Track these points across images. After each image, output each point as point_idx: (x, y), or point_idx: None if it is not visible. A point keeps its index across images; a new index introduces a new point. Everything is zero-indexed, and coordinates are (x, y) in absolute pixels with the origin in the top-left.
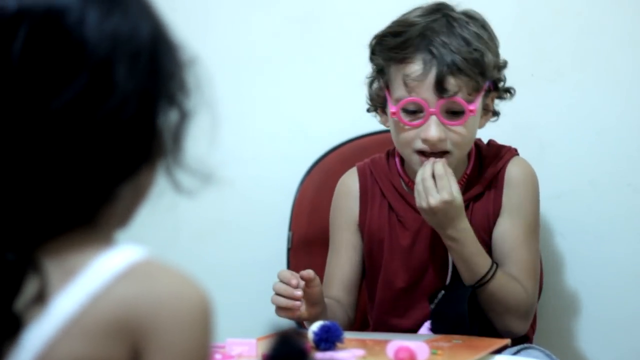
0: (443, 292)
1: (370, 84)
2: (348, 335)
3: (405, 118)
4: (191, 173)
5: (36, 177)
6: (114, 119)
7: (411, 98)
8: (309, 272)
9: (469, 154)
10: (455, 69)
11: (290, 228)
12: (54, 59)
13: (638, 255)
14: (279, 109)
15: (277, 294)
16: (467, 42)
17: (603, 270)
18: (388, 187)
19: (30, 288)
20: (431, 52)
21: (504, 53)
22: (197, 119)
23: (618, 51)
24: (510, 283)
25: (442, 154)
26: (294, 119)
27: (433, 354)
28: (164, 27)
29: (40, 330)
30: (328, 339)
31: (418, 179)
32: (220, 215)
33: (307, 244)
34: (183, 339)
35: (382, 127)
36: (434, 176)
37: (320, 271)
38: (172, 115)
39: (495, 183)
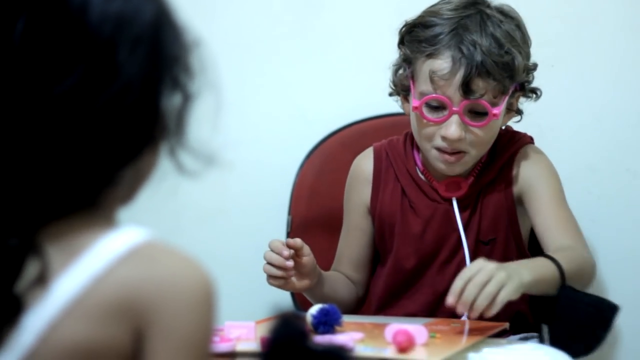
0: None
1: (396, 71)
2: (347, 318)
3: (427, 114)
4: (194, 155)
5: (39, 161)
6: (117, 103)
7: (435, 95)
8: (295, 241)
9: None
10: (484, 71)
11: (290, 212)
12: (56, 43)
13: (636, 240)
14: (279, 93)
15: (269, 262)
16: (499, 44)
17: (602, 255)
18: (402, 171)
19: (31, 270)
20: (461, 51)
21: None
22: (200, 102)
23: (617, 37)
24: (571, 256)
25: (458, 152)
26: (294, 103)
27: (432, 337)
28: (167, 10)
29: (42, 312)
30: (327, 322)
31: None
32: (220, 199)
33: (307, 228)
34: (185, 321)
35: (382, 112)
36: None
37: (320, 255)
38: (176, 98)
39: (507, 167)
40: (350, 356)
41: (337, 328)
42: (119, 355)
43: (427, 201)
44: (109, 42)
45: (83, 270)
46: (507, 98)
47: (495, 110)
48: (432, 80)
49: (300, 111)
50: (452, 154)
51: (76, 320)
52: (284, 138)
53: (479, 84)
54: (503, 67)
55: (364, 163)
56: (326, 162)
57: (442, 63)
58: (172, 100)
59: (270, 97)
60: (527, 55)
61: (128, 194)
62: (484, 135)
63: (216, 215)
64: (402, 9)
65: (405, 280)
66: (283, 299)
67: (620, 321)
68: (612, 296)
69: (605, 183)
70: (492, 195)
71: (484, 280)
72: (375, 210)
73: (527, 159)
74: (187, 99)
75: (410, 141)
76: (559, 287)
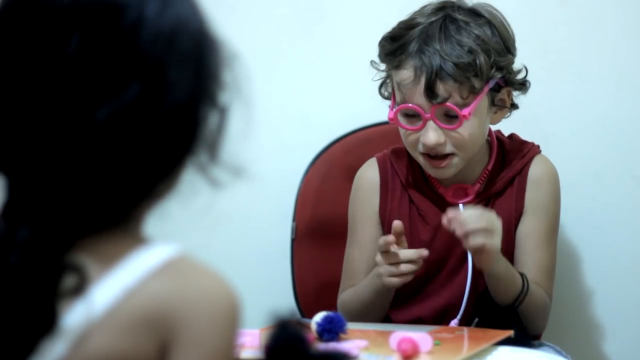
0: (477, 320)
1: (380, 86)
2: (351, 326)
3: (405, 123)
4: (224, 168)
5: (83, 177)
6: (168, 120)
7: (406, 104)
8: (397, 224)
9: (490, 149)
10: (444, 75)
11: (295, 219)
12: (109, 60)
13: None
14: (283, 99)
15: (403, 261)
16: (461, 45)
17: (607, 261)
18: (409, 180)
19: (69, 281)
20: (421, 59)
21: None
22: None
23: (622, 43)
24: (536, 291)
25: (445, 156)
26: (299, 109)
27: (436, 344)
28: (208, 24)
29: (76, 322)
30: (331, 330)
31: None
32: (224, 206)
33: (312, 235)
34: (210, 337)
35: (386, 118)
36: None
37: (325, 262)
38: (213, 112)
39: (518, 180)
40: None
41: (342, 335)
42: None
43: (435, 209)
44: (160, 60)
45: (117, 282)
46: (481, 97)
47: (464, 112)
48: (401, 91)
49: (305, 117)
50: (439, 158)
51: (107, 331)
52: (289, 144)
53: (442, 88)
54: (464, 67)
55: (370, 172)
56: (331, 169)
57: (406, 72)
58: (210, 115)
59: (275, 103)
60: (500, 52)
61: (156, 203)
62: (465, 136)
63: (221, 222)
64: (406, 14)
65: (414, 287)
66: (287, 305)
67: (623, 328)
68: (619, 303)
69: (610, 190)
70: (501, 207)
71: (483, 219)
72: (384, 219)
73: (539, 175)
74: (222, 113)
75: None
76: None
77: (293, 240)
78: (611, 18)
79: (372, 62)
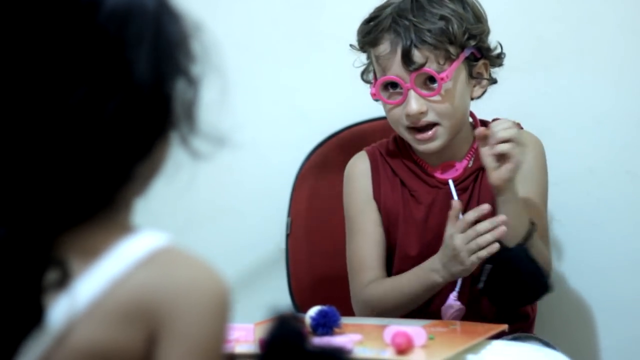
0: (490, 266)
1: (362, 72)
2: (345, 320)
3: (387, 98)
4: (206, 139)
5: (56, 166)
6: (133, 100)
7: (386, 77)
8: (457, 203)
9: (474, 128)
10: (419, 41)
11: (290, 214)
12: (68, 47)
13: (636, 242)
14: (279, 94)
15: (479, 234)
16: (433, 14)
17: (601, 257)
18: (398, 165)
19: (52, 275)
20: (396, 30)
21: (503, 40)
22: (206, 86)
23: (617, 39)
24: (539, 243)
25: (430, 126)
26: (294, 105)
27: (430, 339)
28: None
29: (61, 314)
30: (325, 324)
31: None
32: (219, 201)
33: (306, 230)
34: (199, 328)
35: (381, 114)
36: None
37: (321, 257)
38: (182, 85)
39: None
40: (348, 357)
41: (336, 330)
42: (132, 358)
43: (427, 188)
44: (118, 38)
45: (102, 273)
46: (458, 64)
47: (442, 75)
48: (379, 64)
49: (300, 113)
50: (424, 130)
51: (94, 323)
52: (284, 140)
53: (418, 54)
54: (438, 32)
55: (360, 162)
56: (326, 164)
57: (383, 46)
58: (179, 88)
59: (270, 98)
60: (470, 21)
61: (143, 187)
62: (447, 104)
63: (216, 217)
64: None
65: (412, 268)
66: (282, 300)
67: (618, 324)
68: (614, 298)
69: (605, 185)
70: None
71: (512, 130)
72: (379, 204)
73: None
74: (193, 85)
75: (400, 137)
76: (520, 242)
77: (288, 236)
78: (606, 14)
79: (351, 45)
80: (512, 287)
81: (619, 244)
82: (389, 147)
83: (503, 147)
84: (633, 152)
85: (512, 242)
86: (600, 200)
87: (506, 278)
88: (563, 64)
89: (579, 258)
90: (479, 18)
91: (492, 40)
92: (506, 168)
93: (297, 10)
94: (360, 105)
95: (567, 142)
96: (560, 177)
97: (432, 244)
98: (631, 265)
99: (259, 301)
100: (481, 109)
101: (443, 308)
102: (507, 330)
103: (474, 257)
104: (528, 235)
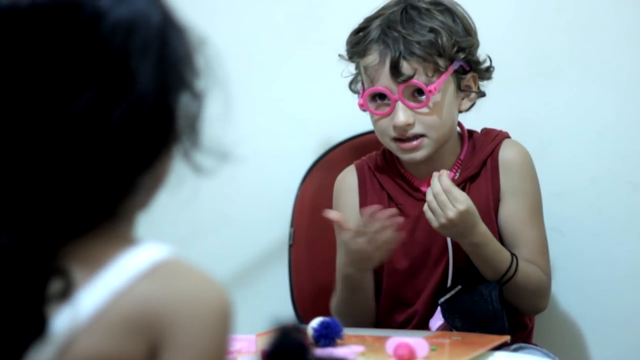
0: (459, 287)
1: (350, 83)
2: (347, 331)
3: (373, 107)
4: (208, 153)
5: (59, 177)
6: (135, 111)
7: (374, 87)
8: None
9: (462, 140)
10: (407, 53)
11: (292, 224)
12: (71, 60)
13: (638, 253)
14: (281, 105)
15: (377, 232)
16: (422, 27)
17: (603, 268)
18: (386, 179)
19: (55, 286)
20: (385, 42)
21: (504, 51)
22: (210, 101)
23: (618, 49)
24: (529, 268)
25: (416, 138)
26: (296, 116)
27: (432, 350)
28: (171, 11)
29: (63, 325)
30: (327, 335)
31: (429, 197)
32: (222, 211)
33: (309, 241)
34: (201, 339)
35: None
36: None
37: (322, 268)
38: (186, 98)
39: (490, 163)
40: None
41: (338, 341)
42: None
43: (413, 201)
44: (122, 50)
45: (105, 285)
46: (446, 76)
47: (430, 87)
48: (367, 75)
49: (303, 123)
50: (410, 139)
51: (96, 334)
52: (286, 151)
53: (407, 66)
54: (427, 45)
55: (348, 177)
56: (328, 175)
57: (372, 57)
58: (184, 102)
59: (273, 109)
60: (460, 34)
61: (146, 200)
62: (435, 116)
63: (218, 227)
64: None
65: (402, 284)
66: (284, 311)
67: (620, 335)
68: (615, 309)
69: (607, 196)
70: (477, 190)
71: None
72: None
73: (510, 157)
74: (197, 99)
75: (389, 151)
76: (496, 280)
77: (290, 246)
78: (608, 25)
79: (340, 55)
80: (466, 315)
81: (621, 254)
82: (377, 160)
83: (425, 207)
84: (635, 162)
85: (492, 279)
86: (602, 211)
87: (464, 305)
88: (565, 75)
89: (580, 269)
90: (469, 31)
91: (494, 50)
92: (429, 219)
93: (297, 22)
94: (363, 116)
95: (569, 153)
96: (562, 188)
97: (419, 257)
98: (632, 276)
99: (261, 311)
100: (482, 119)
101: (431, 321)
102: (509, 341)
103: (355, 240)
104: (505, 274)
